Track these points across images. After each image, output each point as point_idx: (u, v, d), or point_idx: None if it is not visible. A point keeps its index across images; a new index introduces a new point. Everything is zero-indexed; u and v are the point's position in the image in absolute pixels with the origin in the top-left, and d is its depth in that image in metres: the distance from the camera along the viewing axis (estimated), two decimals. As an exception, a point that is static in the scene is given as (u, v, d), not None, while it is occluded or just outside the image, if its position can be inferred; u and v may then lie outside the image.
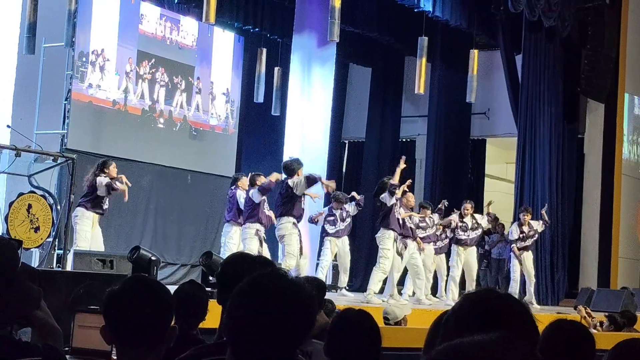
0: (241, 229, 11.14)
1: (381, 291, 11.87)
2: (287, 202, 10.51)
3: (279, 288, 1.96)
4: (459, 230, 13.18)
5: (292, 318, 1.93)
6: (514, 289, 13.17)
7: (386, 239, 11.30)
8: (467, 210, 13.29)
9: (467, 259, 13.24)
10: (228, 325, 1.97)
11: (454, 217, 13.22)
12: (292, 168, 10.69)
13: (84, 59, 12.66)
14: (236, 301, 1.97)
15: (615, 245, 15.47)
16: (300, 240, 10.63)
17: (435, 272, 13.32)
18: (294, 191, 10.42)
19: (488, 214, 13.77)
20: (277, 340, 1.92)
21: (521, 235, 13.33)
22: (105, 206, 10.32)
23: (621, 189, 15.68)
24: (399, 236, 11.45)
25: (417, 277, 12.10)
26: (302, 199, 10.67)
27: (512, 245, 13.44)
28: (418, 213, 12.86)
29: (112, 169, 10.26)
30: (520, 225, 13.40)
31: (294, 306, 1.94)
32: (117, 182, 10.16)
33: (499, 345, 1.39)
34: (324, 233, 12.42)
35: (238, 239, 11.34)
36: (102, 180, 10.03)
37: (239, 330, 1.94)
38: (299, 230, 10.62)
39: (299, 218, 10.66)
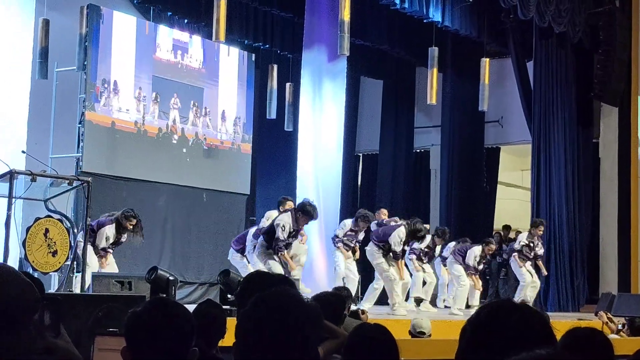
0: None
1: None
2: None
3: (278, 305, 2.13)
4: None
5: (288, 333, 2.08)
6: (525, 294, 13.24)
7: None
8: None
9: None
10: (236, 340, 2.14)
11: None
12: None
13: (97, 82, 12.72)
14: (242, 318, 2.17)
15: (634, 249, 15.36)
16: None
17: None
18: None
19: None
20: (277, 352, 2.06)
21: (530, 245, 13.29)
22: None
23: (638, 192, 15.58)
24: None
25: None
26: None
27: (514, 254, 13.42)
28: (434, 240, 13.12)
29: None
30: (532, 236, 13.35)
31: (289, 323, 2.10)
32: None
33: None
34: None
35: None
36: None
37: (246, 344, 2.11)
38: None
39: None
